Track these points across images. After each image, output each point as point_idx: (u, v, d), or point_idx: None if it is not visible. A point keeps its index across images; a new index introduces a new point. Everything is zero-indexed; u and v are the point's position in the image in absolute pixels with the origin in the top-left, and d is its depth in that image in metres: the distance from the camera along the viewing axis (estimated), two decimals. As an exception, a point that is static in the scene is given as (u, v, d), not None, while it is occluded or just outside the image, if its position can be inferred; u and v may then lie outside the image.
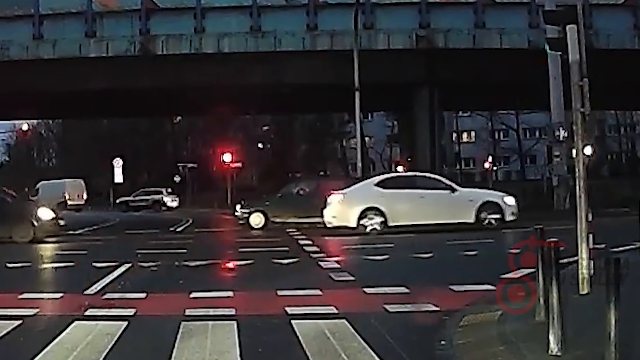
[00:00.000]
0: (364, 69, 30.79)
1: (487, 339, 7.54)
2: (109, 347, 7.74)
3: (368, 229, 22.92)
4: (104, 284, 12.59)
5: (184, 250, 19.03)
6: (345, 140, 79.65)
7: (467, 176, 75.41)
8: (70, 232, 26.55)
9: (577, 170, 9.22)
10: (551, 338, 6.56)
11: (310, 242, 20.00)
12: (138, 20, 32.91)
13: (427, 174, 25.67)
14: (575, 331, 6.81)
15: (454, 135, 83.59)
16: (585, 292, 8.79)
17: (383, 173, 34.12)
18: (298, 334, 8.17)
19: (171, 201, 62.98)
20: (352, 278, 12.72)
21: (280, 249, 18.61)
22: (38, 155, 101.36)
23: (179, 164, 68.99)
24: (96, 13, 33.00)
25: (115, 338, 8.14)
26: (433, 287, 11.24)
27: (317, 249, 18.17)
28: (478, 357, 7.10)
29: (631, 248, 13.98)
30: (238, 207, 30.23)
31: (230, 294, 11.23)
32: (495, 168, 76.44)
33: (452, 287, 11.11)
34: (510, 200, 23.66)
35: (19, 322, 9.11)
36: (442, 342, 7.69)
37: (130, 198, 63.82)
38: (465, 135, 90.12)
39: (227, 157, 52.76)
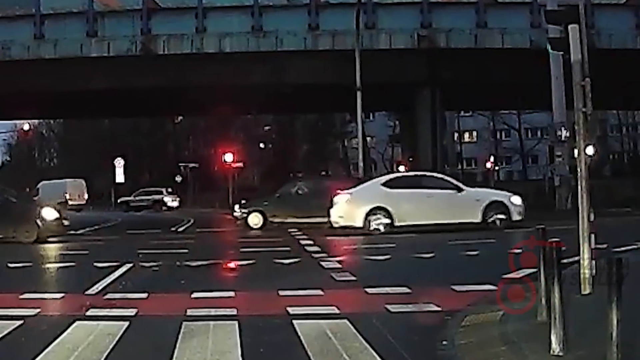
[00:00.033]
0: (365, 69, 30.77)
1: (489, 339, 7.53)
2: (110, 347, 7.73)
3: (374, 229, 22.91)
4: (105, 284, 12.58)
5: (186, 250, 19.02)
6: (347, 140, 79.67)
7: (468, 176, 75.17)
8: (72, 232, 26.53)
9: (579, 170, 9.21)
10: (553, 338, 6.55)
11: (311, 242, 19.98)
12: (139, 20, 32.91)
13: (434, 174, 25.70)
14: (577, 331, 6.80)
15: (456, 135, 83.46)
16: (587, 292, 8.78)
17: (389, 173, 34.13)
18: (299, 334, 8.16)
19: (172, 201, 63.06)
20: (353, 278, 12.71)
21: (281, 249, 18.59)
22: (39, 155, 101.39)
23: (180, 164, 69.07)
24: (97, 13, 33.00)
25: (117, 338, 8.13)
26: (435, 287, 11.23)
27: (319, 249, 18.14)
28: (480, 357, 7.09)
29: (633, 248, 13.98)
30: (236, 207, 30.24)
31: (231, 294, 11.22)
32: (497, 168, 76.41)
33: (453, 287, 11.10)
34: (516, 200, 23.62)
35: (20, 322, 9.10)
36: (444, 342, 7.68)
37: (131, 198, 63.92)
38: (467, 135, 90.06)
39: (228, 157, 52.68)
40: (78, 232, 28.31)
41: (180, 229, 31.30)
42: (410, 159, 41.35)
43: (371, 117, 76.20)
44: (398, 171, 42.72)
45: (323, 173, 73.39)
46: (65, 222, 24.60)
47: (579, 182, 9.21)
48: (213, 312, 9.62)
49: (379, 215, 23.07)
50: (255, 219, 28.33)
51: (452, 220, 22.84)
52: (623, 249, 13.76)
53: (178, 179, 67.58)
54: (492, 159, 68.85)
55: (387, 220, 23.00)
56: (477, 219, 22.99)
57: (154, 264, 15.63)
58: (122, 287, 12.39)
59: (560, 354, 6.49)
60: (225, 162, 52.98)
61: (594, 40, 28.46)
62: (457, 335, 7.89)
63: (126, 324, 8.88)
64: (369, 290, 11.15)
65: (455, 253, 16.33)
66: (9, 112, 41.23)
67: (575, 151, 9.30)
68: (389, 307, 9.66)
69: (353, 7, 31.31)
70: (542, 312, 7.64)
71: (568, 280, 8.07)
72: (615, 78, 28.91)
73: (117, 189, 65.68)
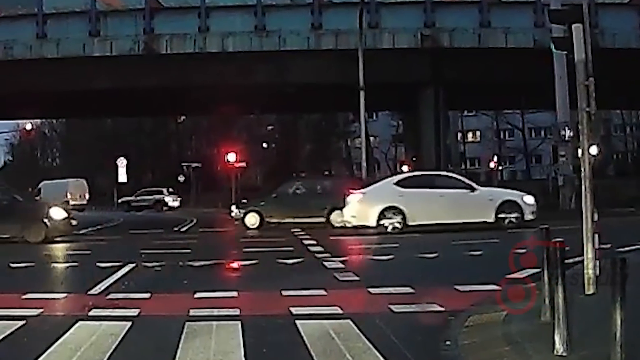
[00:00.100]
0: (368, 68, 30.78)
1: (493, 340, 7.51)
2: (113, 347, 7.72)
3: (388, 229, 22.90)
4: (108, 284, 12.57)
5: (188, 250, 19.01)
6: (350, 139, 79.73)
7: (472, 176, 75.02)
8: (74, 232, 26.52)
9: (582, 169, 9.18)
10: (557, 338, 6.54)
11: (314, 242, 19.97)
12: (142, 20, 32.94)
13: (447, 173, 25.75)
14: (580, 331, 6.78)
15: (459, 134, 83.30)
16: (590, 292, 8.76)
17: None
18: (303, 334, 8.15)
19: (172, 201, 63.13)
20: (356, 278, 12.69)
21: (284, 248, 18.57)
22: (42, 155, 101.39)
23: (183, 164, 69.07)
24: (100, 12, 33.04)
25: (119, 338, 8.12)
26: (438, 287, 11.20)
27: (322, 249, 18.12)
28: (483, 357, 7.07)
29: (637, 248, 13.94)
30: (233, 207, 30.23)
31: (234, 294, 11.21)
32: (500, 168, 76.42)
33: (457, 287, 11.08)
34: (529, 199, 23.59)
35: (23, 322, 9.10)
36: (448, 343, 7.66)
37: (132, 198, 64.01)
38: (470, 134, 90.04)
39: (231, 157, 52.63)
40: (80, 232, 28.30)
41: (183, 229, 31.31)
42: (414, 159, 41.35)
43: (374, 117, 76.15)
44: (402, 171, 42.72)
45: (326, 173, 73.36)
46: (73, 222, 24.56)
47: (582, 182, 9.19)
48: (216, 312, 9.60)
49: (391, 215, 23.08)
50: (252, 219, 28.32)
51: (465, 220, 22.84)
52: (627, 249, 13.72)
53: (181, 178, 67.58)
54: (495, 158, 68.85)
55: (400, 220, 23.01)
56: (490, 218, 22.98)
57: (157, 264, 15.62)
58: (125, 287, 12.38)
59: (564, 354, 6.47)
60: (228, 161, 52.92)
61: (598, 40, 28.45)
62: (460, 336, 7.88)
63: (129, 324, 8.87)
64: (372, 290, 11.14)
65: (459, 253, 16.31)
66: (11, 111, 41.28)
67: (579, 151, 9.28)
68: (392, 307, 9.64)
69: (356, 6, 31.32)
70: (546, 312, 7.62)
71: (571, 280, 8.04)
72: (619, 77, 28.87)
73: (120, 189, 65.71)
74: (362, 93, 31.23)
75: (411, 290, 10.96)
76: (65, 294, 11.69)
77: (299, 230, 24.94)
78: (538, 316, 7.82)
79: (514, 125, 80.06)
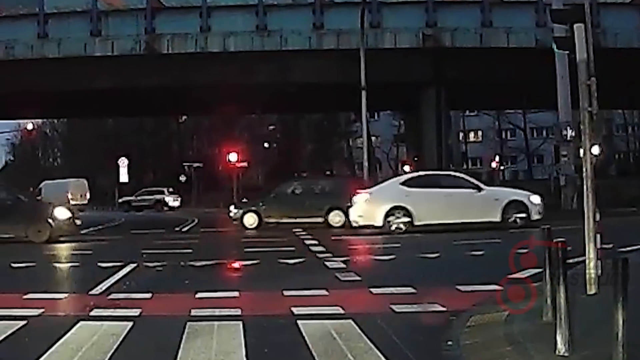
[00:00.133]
0: (370, 68, 30.77)
1: (494, 340, 7.50)
2: (114, 347, 7.72)
3: (394, 228, 22.89)
4: (109, 284, 12.57)
5: (190, 250, 19.01)
6: (352, 139, 79.71)
7: (473, 176, 75.15)
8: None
9: (584, 169, 9.17)
10: (558, 338, 6.52)
11: (316, 242, 19.96)
12: (143, 19, 32.91)
13: (454, 173, 25.75)
14: (582, 331, 6.77)
15: (461, 134, 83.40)
16: (592, 292, 8.75)
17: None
18: (304, 334, 8.14)
19: (173, 201, 63.17)
20: (358, 278, 12.69)
21: (286, 248, 18.58)
22: (43, 154, 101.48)
23: (184, 164, 69.10)
24: (101, 12, 33.01)
25: (121, 338, 8.12)
26: (440, 287, 11.19)
27: (323, 249, 18.12)
28: (485, 357, 7.06)
29: (639, 248, 13.92)
30: (232, 207, 30.24)
31: (236, 294, 11.20)
32: (502, 167, 76.39)
33: (458, 287, 11.07)
34: (536, 199, 23.59)
35: (24, 322, 9.09)
36: (449, 343, 7.66)
37: (133, 198, 64.04)
38: (472, 134, 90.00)
39: (232, 157, 52.69)
40: (82, 232, 28.28)
41: (184, 229, 31.31)
42: (415, 159, 41.34)
43: (376, 117, 76.12)
44: (404, 171, 42.74)
45: (328, 173, 73.38)
46: (77, 222, 24.54)
47: (584, 182, 9.17)
48: (217, 312, 9.60)
49: (398, 215, 23.07)
50: (250, 219, 28.33)
51: (471, 220, 22.84)
52: (629, 248, 13.70)
53: (182, 178, 67.60)
54: (497, 158, 68.83)
55: (407, 220, 23.00)
56: (497, 218, 22.98)
57: (158, 264, 15.62)
58: (126, 287, 12.38)
59: (566, 354, 6.46)
60: (230, 161, 52.99)
61: (600, 40, 28.43)
62: (462, 336, 7.87)
63: (130, 324, 8.86)
64: (373, 290, 11.13)
65: (461, 253, 16.31)
66: (12, 111, 41.29)
67: (581, 151, 9.26)
68: (393, 307, 9.64)
69: (358, 6, 31.31)
70: (548, 313, 7.61)
71: (573, 280, 8.03)
72: (621, 77, 28.86)
73: (121, 189, 65.72)
74: (363, 93, 31.21)
75: (413, 291, 10.95)
76: (66, 294, 11.69)
77: (300, 230, 24.94)
78: (540, 316, 7.81)
79: (515, 125, 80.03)
